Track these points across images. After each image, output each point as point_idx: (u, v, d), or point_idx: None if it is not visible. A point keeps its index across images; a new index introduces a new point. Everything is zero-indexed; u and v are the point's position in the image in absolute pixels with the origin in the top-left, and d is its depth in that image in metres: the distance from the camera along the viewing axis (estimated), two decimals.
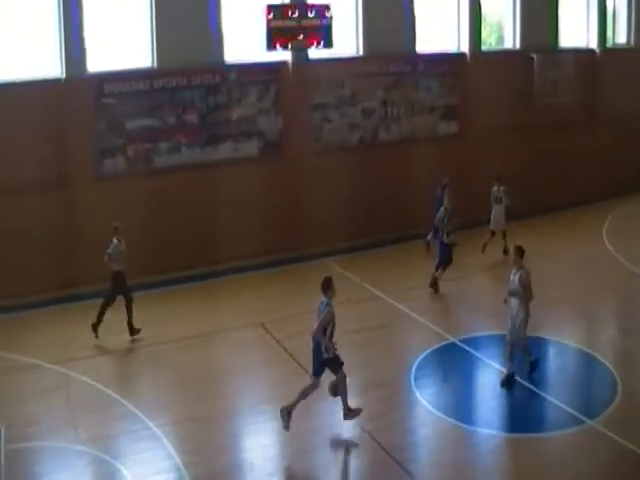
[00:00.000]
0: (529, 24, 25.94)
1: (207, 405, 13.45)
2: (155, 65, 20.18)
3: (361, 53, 22.89)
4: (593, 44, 28.48)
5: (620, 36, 30.05)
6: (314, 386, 12.45)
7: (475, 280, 19.52)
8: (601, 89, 28.24)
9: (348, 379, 12.51)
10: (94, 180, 19.48)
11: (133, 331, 16.31)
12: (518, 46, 26.06)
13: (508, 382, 13.93)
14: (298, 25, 20.84)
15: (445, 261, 18.66)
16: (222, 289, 19.25)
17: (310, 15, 21.01)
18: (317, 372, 12.46)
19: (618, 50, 29.48)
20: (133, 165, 20.04)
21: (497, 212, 21.42)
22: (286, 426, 12.09)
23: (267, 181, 21.23)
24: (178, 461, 11.60)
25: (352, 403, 13.25)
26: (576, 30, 28.25)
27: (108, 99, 19.48)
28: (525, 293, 13.60)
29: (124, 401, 13.44)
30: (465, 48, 24.64)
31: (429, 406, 13.30)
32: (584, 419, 12.70)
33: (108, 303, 16.23)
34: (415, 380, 14.14)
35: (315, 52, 21.69)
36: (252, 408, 13.44)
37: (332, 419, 12.93)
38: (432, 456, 12.00)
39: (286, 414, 12.10)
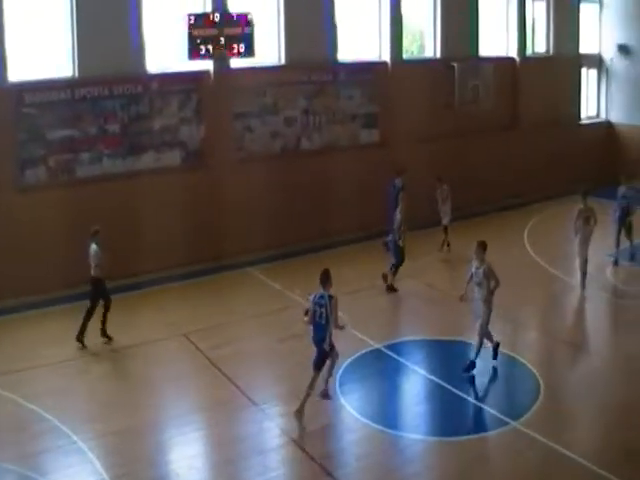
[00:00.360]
0: (450, 33, 26.26)
1: (132, 417, 13.18)
2: (76, 74, 19.77)
3: (283, 62, 22.80)
4: (513, 52, 29.00)
5: (539, 45, 30.65)
6: (315, 379, 12.87)
7: (401, 286, 19.50)
8: (521, 96, 28.87)
9: (274, 388, 12.44)
10: (15, 191, 19.00)
11: (106, 335, 16.31)
12: (439, 55, 26.35)
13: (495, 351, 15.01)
14: (220, 34, 20.67)
15: (400, 262, 19.11)
16: (144, 301, 18.88)
17: (232, 24, 20.86)
18: (318, 366, 12.87)
19: (537, 58, 30.11)
20: (54, 176, 19.58)
21: (445, 209, 22.58)
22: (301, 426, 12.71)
23: (189, 191, 20.93)
24: (105, 475, 11.34)
25: (278, 411, 13.27)
26: (496, 39, 28.74)
27: (29, 109, 19.02)
28: (489, 286, 14.43)
29: (48, 415, 13.09)
30: (386, 57, 24.74)
31: (355, 413, 13.25)
32: (508, 420, 12.85)
33: (91, 312, 16.17)
34: (340, 387, 14.04)
35: (237, 61, 21.55)
36: (178, 419, 13.20)
37: (258, 427, 12.87)
38: (359, 462, 11.93)
39: (299, 416, 12.69)
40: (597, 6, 32.99)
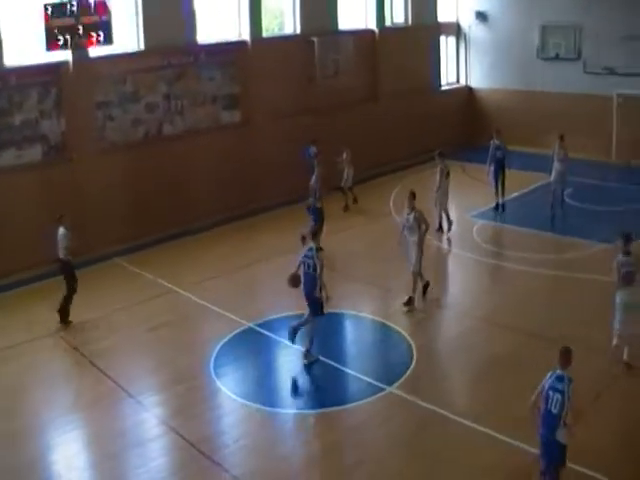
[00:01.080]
0: (308, 9, 26.35)
1: (12, 421, 12.93)
2: None
3: (142, 47, 22.43)
4: (372, 24, 29.37)
5: (398, 15, 31.12)
6: (315, 323, 14.33)
7: (272, 261, 19.68)
8: (382, 66, 29.39)
9: (149, 378, 12.42)
10: None
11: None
12: (299, 31, 26.40)
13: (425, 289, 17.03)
14: (77, 23, 20.12)
15: (320, 222, 19.74)
16: (10, 302, 18.13)
17: (89, 12, 20.32)
18: (316, 312, 14.17)
19: (396, 29, 30.62)
20: None
21: (347, 173, 24.41)
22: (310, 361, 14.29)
23: (52, 186, 20.25)
24: None
25: (155, 401, 13.32)
26: (355, 11, 29.02)
27: None
28: (420, 230, 16.40)
29: None
30: (246, 36, 24.59)
31: (231, 394, 13.41)
32: (383, 386, 13.31)
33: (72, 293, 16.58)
34: (215, 370, 14.18)
35: (96, 49, 21.06)
36: (56, 420, 13.02)
37: (136, 419, 12.89)
38: (237, 443, 12.10)
39: (307, 355, 14.30)
40: None
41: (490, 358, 14.37)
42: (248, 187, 24.38)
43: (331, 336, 15.49)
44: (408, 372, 13.80)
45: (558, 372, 9.48)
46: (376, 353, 15.36)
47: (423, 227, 16.47)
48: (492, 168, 23.49)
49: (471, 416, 12.19)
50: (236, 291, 18.30)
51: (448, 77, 34.29)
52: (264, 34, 25.28)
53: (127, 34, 22.20)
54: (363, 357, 14.92)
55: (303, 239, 17.37)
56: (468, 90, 34.53)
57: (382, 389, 13.26)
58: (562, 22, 30.54)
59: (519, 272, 18.66)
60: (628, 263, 13.48)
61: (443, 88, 33.79)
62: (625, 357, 13.49)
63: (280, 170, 24.60)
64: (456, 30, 34.28)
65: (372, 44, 29.24)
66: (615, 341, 13.57)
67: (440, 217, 21.63)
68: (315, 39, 26.21)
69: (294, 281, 14.22)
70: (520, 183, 25.43)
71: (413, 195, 16.68)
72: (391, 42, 29.59)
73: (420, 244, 16.39)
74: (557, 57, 31.19)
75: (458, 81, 34.73)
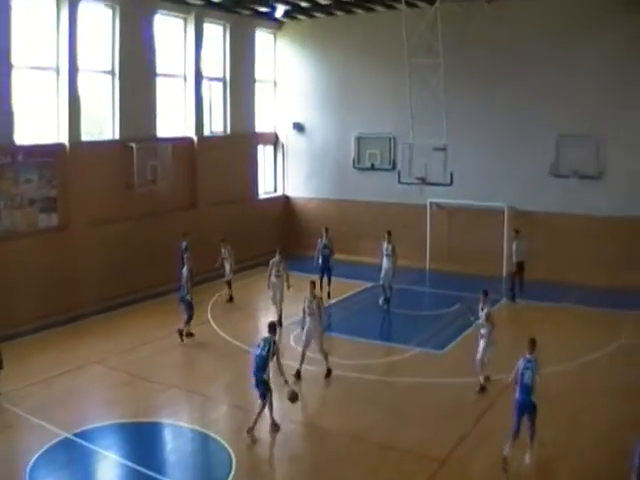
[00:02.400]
0: (128, 114, 26.35)
1: None
2: None
3: None
4: (191, 132, 29.74)
5: (217, 124, 31.72)
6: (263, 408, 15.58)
7: (89, 369, 19.11)
8: (200, 175, 29.71)
9: None
10: None
11: None
12: (117, 136, 26.28)
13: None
14: None
15: (191, 315, 21.57)
16: None
17: None
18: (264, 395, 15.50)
19: (215, 137, 31.14)
20: None
21: (227, 267, 26.03)
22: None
23: None
24: None
25: None
26: (174, 119, 29.39)
27: None
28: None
29: None
30: (65, 139, 24.24)
31: None
32: None
33: None
34: None
35: None
36: None
37: None
38: None
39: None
40: (272, 86, 34.87)
41: (312, 464, 14.32)
42: (67, 292, 23.55)
43: (150, 446, 15.07)
44: None
45: (527, 356, 13.92)
46: (195, 463, 14.85)
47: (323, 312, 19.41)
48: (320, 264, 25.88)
49: None
50: (57, 398, 17.36)
51: (266, 186, 35.00)
52: (83, 138, 24.90)
53: None
54: (182, 467, 14.43)
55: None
56: (285, 199, 35.37)
57: None
58: (376, 133, 32.09)
59: (338, 377, 18.89)
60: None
61: (261, 197, 34.44)
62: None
63: (98, 275, 24.17)
64: (274, 140, 35.26)
65: (191, 152, 29.61)
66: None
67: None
68: (134, 145, 26.12)
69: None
70: (335, 291, 26.22)
71: (313, 284, 19.38)
72: (210, 150, 30.07)
73: (321, 328, 19.05)
74: (373, 167, 32.58)
75: (276, 190, 35.52)
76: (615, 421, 15.87)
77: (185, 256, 22.45)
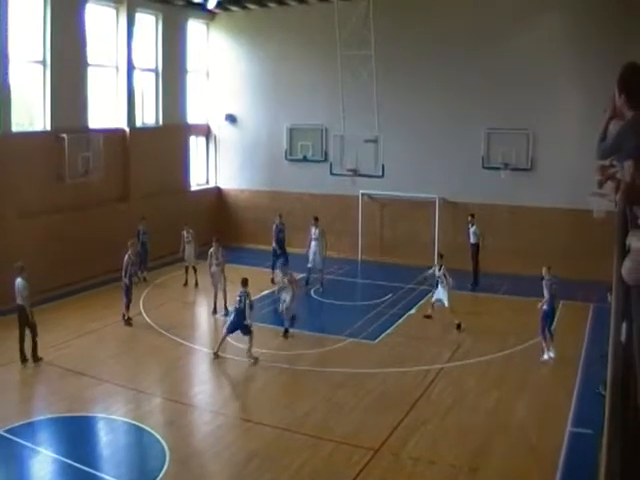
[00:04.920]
0: (59, 105, 26.00)
1: None
2: None
3: None
4: (123, 123, 29.54)
5: (149, 115, 31.57)
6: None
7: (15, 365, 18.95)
8: (132, 166, 29.52)
9: None
10: None
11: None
12: (49, 127, 25.97)
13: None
14: None
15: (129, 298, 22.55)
16: None
17: None
18: (231, 330, 19.66)
19: (147, 129, 30.97)
20: None
21: (188, 251, 27.00)
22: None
23: None
24: None
25: None
26: (106, 110, 29.14)
27: None
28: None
29: None
30: None
31: None
32: None
33: (23, 335, 18.81)
34: None
35: None
36: None
37: None
38: None
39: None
40: (204, 77, 34.78)
41: (246, 455, 14.41)
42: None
43: (84, 441, 14.99)
44: (162, 474, 13.48)
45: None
46: (130, 456, 14.92)
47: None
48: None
49: None
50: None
51: (199, 177, 34.95)
52: (14, 129, 24.53)
53: None
54: (116, 461, 14.39)
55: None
56: (217, 190, 35.37)
57: None
58: (309, 125, 32.26)
59: (270, 368, 19.10)
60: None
61: (194, 188, 34.39)
62: None
63: (31, 268, 23.74)
64: (206, 131, 35.20)
65: (123, 143, 29.42)
66: None
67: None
68: (65, 136, 25.83)
69: None
70: (267, 282, 26.47)
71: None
72: (142, 142, 29.90)
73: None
74: (305, 159, 32.74)
75: (208, 181, 35.49)
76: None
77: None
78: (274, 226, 28.13)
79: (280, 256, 27.08)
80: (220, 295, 23.73)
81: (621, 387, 4.35)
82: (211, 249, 23.82)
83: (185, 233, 27.12)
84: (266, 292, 25.16)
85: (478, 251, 26.80)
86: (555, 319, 19.73)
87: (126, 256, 22.31)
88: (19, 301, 18.84)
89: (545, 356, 19.09)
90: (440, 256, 23.23)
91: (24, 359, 18.73)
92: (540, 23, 27.51)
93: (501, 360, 19.46)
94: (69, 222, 25.97)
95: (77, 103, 27.12)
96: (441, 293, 22.14)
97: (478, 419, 15.72)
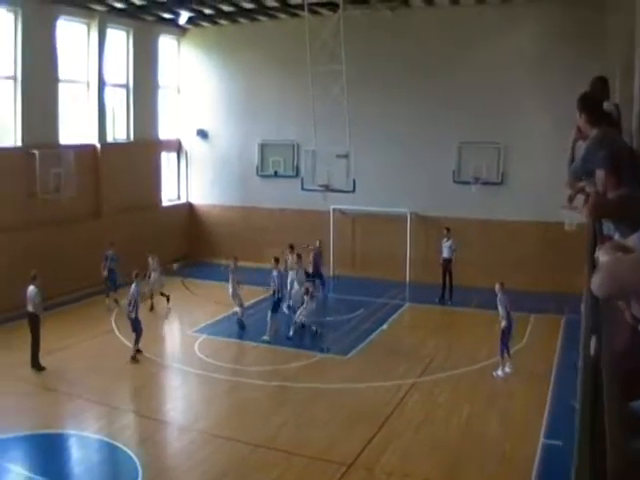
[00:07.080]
0: (30, 121, 25.91)
1: None
2: None
3: None
4: (94, 139, 29.42)
5: (120, 131, 31.46)
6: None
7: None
8: (103, 182, 29.36)
9: None
10: None
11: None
12: (20, 143, 25.80)
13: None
14: None
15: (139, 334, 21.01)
16: None
17: None
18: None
19: (118, 144, 30.87)
20: None
21: (154, 277, 26.12)
22: None
23: None
24: None
25: None
26: (77, 125, 29.01)
27: None
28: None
29: None
30: None
31: None
32: None
33: (38, 339, 19.40)
34: None
35: None
36: None
37: None
38: None
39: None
40: (175, 92, 34.77)
41: (219, 471, 14.37)
42: None
43: (57, 458, 14.90)
44: None
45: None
46: (102, 473, 14.82)
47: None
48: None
49: None
50: None
51: (170, 193, 34.88)
52: None
53: None
54: (89, 478, 14.34)
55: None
56: (189, 206, 35.33)
57: None
58: (280, 140, 32.36)
59: (240, 384, 19.11)
60: None
61: (165, 204, 34.30)
62: None
63: (1, 284, 23.70)
64: (177, 147, 35.17)
65: (95, 159, 29.28)
66: None
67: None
68: (36, 152, 25.67)
69: None
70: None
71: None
72: (113, 157, 29.80)
73: (302, 292, 23.76)
74: (276, 174, 32.79)
75: (179, 197, 35.44)
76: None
77: (106, 266, 24.43)
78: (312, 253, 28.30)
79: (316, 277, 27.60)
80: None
81: (592, 401, 4.42)
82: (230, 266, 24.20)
83: (150, 260, 26.46)
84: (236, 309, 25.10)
85: (451, 265, 26.88)
86: (512, 333, 19.81)
87: (132, 286, 21.03)
88: (30, 308, 19.52)
89: (499, 372, 19.22)
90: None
91: (40, 368, 19.37)
92: (510, 39, 27.86)
93: (473, 373, 19.58)
94: (41, 239, 25.78)
95: (48, 119, 27.00)
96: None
97: (451, 432, 15.84)
